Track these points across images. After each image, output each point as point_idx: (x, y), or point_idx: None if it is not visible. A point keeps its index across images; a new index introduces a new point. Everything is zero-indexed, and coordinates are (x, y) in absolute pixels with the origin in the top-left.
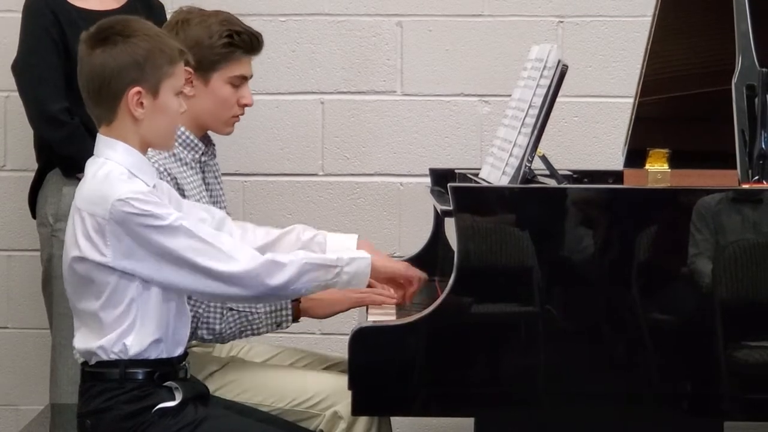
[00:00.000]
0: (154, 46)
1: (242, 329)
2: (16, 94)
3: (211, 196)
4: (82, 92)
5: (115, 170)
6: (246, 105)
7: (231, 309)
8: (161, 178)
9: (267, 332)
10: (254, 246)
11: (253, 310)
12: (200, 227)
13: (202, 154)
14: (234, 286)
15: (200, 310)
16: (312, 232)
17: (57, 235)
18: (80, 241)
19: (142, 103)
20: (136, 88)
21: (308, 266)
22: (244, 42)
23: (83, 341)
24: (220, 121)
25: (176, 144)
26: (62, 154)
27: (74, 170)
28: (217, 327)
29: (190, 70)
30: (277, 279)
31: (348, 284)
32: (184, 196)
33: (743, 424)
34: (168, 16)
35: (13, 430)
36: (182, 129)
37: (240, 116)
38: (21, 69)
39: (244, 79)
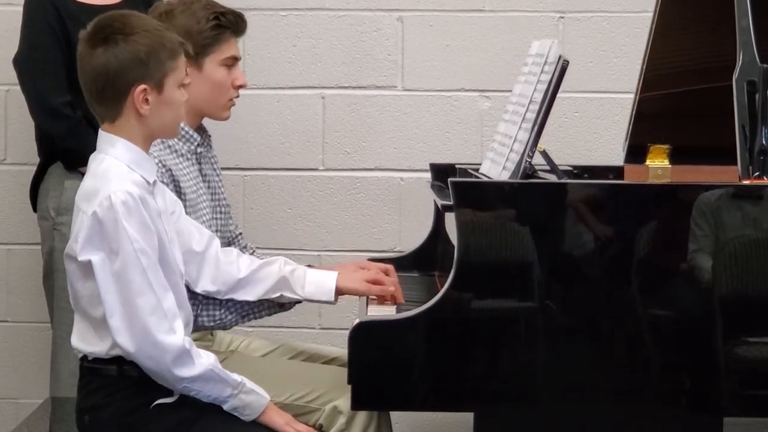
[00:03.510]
0: (156, 42)
1: (244, 314)
2: (17, 87)
3: (209, 188)
4: (83, 91)
5: (114, 167)
6: (241, 86)
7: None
8: (157, 170)
9: (270, 314)
10: (237, 277)
11: None
12: (158, 274)
13: (198, 145)
14: (142, 345)
15: (200, 297)
16: (292, 266)
17: (59, 229)
18: (79, 241)
19: (147, 100)
20: (142, 86)
21: (212, 374)
22: (231, 22)
23: (82, 341)
24: (218, 105)
25: None
26: (65, 147)
27: (77, 163)
28: (218, 313)
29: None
30: (182, 370)
31: (236, 409)
32: (180, 187)
33: (743, 419)
34: None
35: (12, 423)
36: None
37: (235, 99)
38: (23, 63)
39: (235, 60)
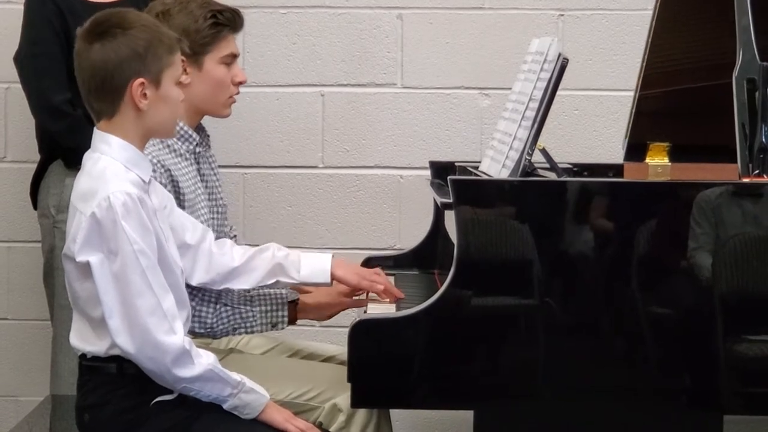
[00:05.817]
0: (154, 37)
1: (236, 326)
2: (17, 85)
3: (206, 187)
4: (81, 88)
5: (110, 167)
6: (241, 83)
7: (225, 305)
8: (154, 170)
9: (261, 331)
10: (231, 266)
11: (249, 307)
12: (157, 274)
13: (197, 144)
14: (142, 345)
15: (193, 303)
16: (285, 251)
17: (59, 227)
18: (77, 242)
19: (145, 95)
20: (140, 80)
21: (212, 374)
22: (228, 19)
23: (80, 340)
24: (219, 103)
25: None
26: (65, 145)
27: (77, 161)
28: (209, 321)
29: (183, 58)
30: (182, 371)
31: (236, 408)
32: (178, 187)
33: (743, 417)
34: None
35: (12, 421)
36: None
37: (235, 96)
38: (23, 60)
39: (234, 57)
